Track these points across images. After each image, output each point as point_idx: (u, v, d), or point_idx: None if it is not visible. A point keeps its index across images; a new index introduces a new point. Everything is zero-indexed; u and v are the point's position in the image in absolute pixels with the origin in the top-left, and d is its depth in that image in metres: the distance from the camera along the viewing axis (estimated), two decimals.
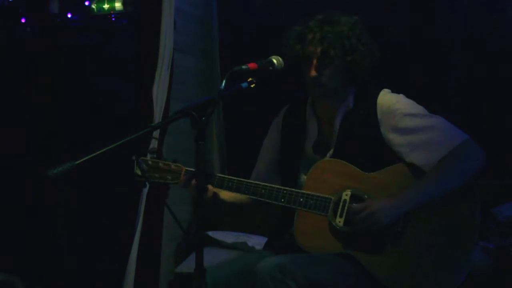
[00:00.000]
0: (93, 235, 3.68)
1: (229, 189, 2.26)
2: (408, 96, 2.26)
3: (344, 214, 2.12)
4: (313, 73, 2.20)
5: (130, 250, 3.24)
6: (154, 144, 3.28)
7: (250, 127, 3.62)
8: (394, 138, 2.17)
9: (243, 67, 2.09)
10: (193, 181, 2.24)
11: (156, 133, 3.27)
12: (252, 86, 2.07)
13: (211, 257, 2.65)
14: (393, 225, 2.08)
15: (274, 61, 2.18)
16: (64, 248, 3.79)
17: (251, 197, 2.25)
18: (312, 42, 2.21)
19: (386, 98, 2.23)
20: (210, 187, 2.26)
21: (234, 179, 2.26)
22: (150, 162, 2.34)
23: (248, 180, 2.28)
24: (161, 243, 3.36)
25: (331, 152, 2.27)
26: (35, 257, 3.74)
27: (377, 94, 2.25)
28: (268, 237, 2.50)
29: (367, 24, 2.30)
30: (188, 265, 3.43)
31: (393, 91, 2.28)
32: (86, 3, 3.81)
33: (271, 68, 2.17)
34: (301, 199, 2.17)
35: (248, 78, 2.07)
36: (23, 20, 3.95)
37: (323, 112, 2.35)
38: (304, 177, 2.29)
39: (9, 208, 3.76)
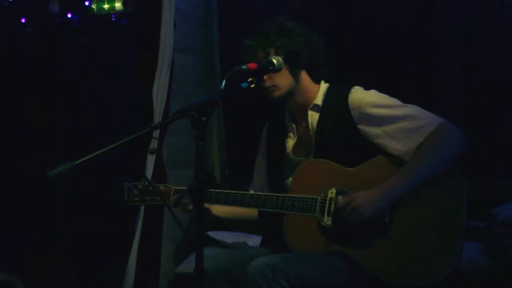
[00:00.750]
0: (93, 235, 3.68)
1: (217, 202, 2.29)
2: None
3: (332, 212, 2.13)
4: (267, 82, 2.25)
5: (130, 250, 3.24)
6: (154, 144, 3.28)
7: (250, 127, 3.61)
8: (371, 131, 2.19)
9: (243, 67, 2.09)
10: (183, 200, 2.28)
11: (156, 133, 3.27)
12: (252, 86, 2.07)
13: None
14: (380, 217, 2.08)
15: (274, 61, 2.18)
16: (64, 247, 3.79)
17: (239, 207, 2.27)
18: (244, 54, 2.30)
19: (357, 95, 2.25)
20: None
21: (221, 192, 2.29)
22: (140, 186, 2.39)
23: (235, 191, 2.29)
24: (161, 243, 3.36)
25: (312, 155, 2.29)
26: (35, 257, 3.74)
27: (348, 91, 2.26)
28: (262, 238, 2.52)
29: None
30: (188, 265, 3.42)
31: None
32: (86, 3, 3.81)
33: (271, 68, 2.18)
34: (288, 203, 2.18)
35: (248, 78, 2.08)
36: (23, 20, 3.95)
37: (298, 115, 2.39)
38: (290, 181, 2.30)
39: (10, 208, 3.76)
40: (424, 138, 2.09)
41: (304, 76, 2.33)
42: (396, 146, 2.13)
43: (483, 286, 2.81)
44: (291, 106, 2.40)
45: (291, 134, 2.40)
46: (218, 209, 2.37)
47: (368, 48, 3.59)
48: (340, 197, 2.11)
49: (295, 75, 2.30)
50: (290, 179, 2.30)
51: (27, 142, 3.82)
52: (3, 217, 3.74)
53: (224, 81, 1.94)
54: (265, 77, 2.22)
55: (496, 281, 2.82)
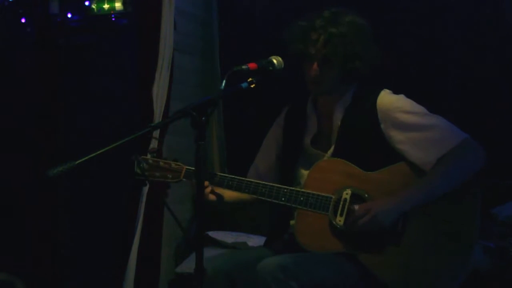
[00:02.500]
0: (93, 235, 3.68)
1: (229, 187, 2.27)
2: (407, 95, 2.26)
3: (345, 213, 2.12)
4: (313, 73, 2.23)
5: (130, 250, 3.24)
6: (154, 144, 3.28)
7: (250, 127, 3.62)
8: (395, 135, 2.18)
9: (243, 67, 2.09)
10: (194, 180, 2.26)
11: (156, 133, 3.27)
12: (252, 86, 2.07)
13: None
14: (393, 224, 2.08)
15: (274, 61, 2.18)
16: (64, 247, 3.79)
17: (251, 195, 2.26)
18: (316, 44, 2.23)
19: (387, 98, 2.25)
20: (210, 187, 2.27)
21: (234, 178, 2.27)
22: (150, 161, 2.35)
23: (248, 179, 2.29)
24: (161, 243, 3.36)
25: (331, 149, 2.28)
26: (35, 257, 3.74)
27: (378, 93, 2.26)
28: (267, 236, 2.50)
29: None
30: (188, 265, 3.43)
31: (392, 90, 2.29)
32: (86, 3, 3.81)
33: (271, 68, 2.18)
34: (301, 198, 2.18)
35: (248, 78, 2.08)
36: (23, 20, 3.95)
37: (322, 107, 2.38)
38: (302, 172, 2.30)
39: (9, 208, 3.76)
40: (447, 151, 2.08)
41: (347, 80, 2.31)
42: (417, 155, 2.13)
43: (483, 286, 2.81)
44: (318, 97, 2.39)
45: (312, 125, 2.38)
46: (227, 193, 2.35)
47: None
48: (357, 206, 2.09)
49: (343, 78, 2.27)
50: (303, 170, 2.30)
51: (27, 142, 3.81)
52: (3, 217, 3.73)
53: (224, 81, 1.94)
54: (319, 73, 2.21)
55: (496, 281, 2.81)
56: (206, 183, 2.24)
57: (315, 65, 2.23)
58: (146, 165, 2.33)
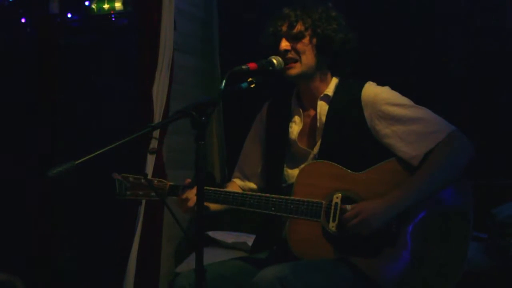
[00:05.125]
0: (93, 235, 3.68)
1: (216, 201, 2.22)
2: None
3: (337, 218, 2.07)
4: (282, 45, 2.21)
5: (130, 250, 3.24)
6: (154, 144, 3.28)
7: (250, 127, 3.61)
8: (381, 129, 2.14)
9: (243, 67, 2.07)
10: (182, 196, 2.21)
11: (156, 133, 3.27)
12: (252, 86, 2.06)
13: (211, 257, 2.65)
14: (387, 227, 2.05)
15: (274, 61, 2.17)
16: (64, 248, 3.79)
17: (240, 208, 2.19)
18: (281, 20, 2.25)
19: (372, 90, 2.20)
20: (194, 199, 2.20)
21: (221, 191, 2.22)
22: (131, 179, 2.28)
23: (235, 191, 2.23)
24: (161, 243, 3.36)
25: (317, 146, 2.24)
26: (35, 257, 3.74)
27: (362, 86, 2.22)
28: (252, 246, 2.44)
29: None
30: (188, 265, 3.42)
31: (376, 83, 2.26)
32: (86, 3, 3.82)
33: (271, 68, 2.17)
34: (292, 206, 2.11)
35: (248, 78, 2.07)
36: (23, 20, 3.96)
37: (305, 101, 2.33)
38: (289, 171, 2.27)
39: (9, 208, 3.76)
40: (434, 145, 2.05)
41: (325, 66, 2.28)
42: (404, 149, 2.09)
43: (483, 286, 2.81)
44: (301, 91, 2.34)
45: (297, 119, 2.32)
46: (215, 206, 2.30)
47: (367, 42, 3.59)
48: (348, 207, 2.05)
49: (319, 61, 2.24)
50: (289, 169, 2.26)
51: (27, 142, 3.82)
52: (4, 217, 3.74)
53: (224, 81, 1.93)
54: (290, 46, 2.20)
55: (496, 281, 2.81)
56: (192, 194, 2.17)
57: (284, 40, 2.21)
58: (127, 184, 2.26)
